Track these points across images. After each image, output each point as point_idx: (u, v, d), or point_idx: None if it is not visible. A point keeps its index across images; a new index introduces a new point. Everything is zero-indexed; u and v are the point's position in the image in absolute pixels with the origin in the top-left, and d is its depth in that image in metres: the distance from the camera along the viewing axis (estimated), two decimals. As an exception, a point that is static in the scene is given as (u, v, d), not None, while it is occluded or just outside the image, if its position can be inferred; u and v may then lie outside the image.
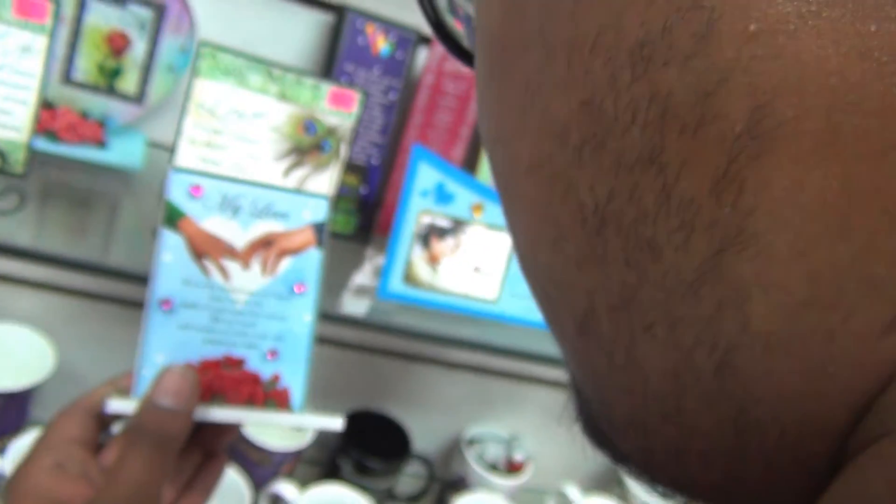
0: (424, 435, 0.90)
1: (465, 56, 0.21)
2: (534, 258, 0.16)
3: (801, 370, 0.12)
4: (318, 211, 0.41)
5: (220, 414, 0.38)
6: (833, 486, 0.12)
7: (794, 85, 0.11)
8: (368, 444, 0.79)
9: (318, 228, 0.41)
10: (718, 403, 0.13)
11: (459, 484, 0.86)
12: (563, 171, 0.14)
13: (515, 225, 0.17)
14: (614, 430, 0.16)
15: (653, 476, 0.16)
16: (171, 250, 0.37)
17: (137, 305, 0.75)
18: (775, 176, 0.11)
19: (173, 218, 0.37)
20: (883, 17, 0.10)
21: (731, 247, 0.12)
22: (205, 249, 0.38)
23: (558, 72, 0.13)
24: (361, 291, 0.62)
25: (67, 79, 0.63)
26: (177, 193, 0.37)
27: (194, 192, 0.37)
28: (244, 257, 0.39)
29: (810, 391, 0.12)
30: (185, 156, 0.54)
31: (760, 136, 0.11)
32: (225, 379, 0.38)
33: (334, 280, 0.60)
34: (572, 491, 0.86)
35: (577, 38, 0.13)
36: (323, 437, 0.82)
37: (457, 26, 0.21)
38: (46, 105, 0.61)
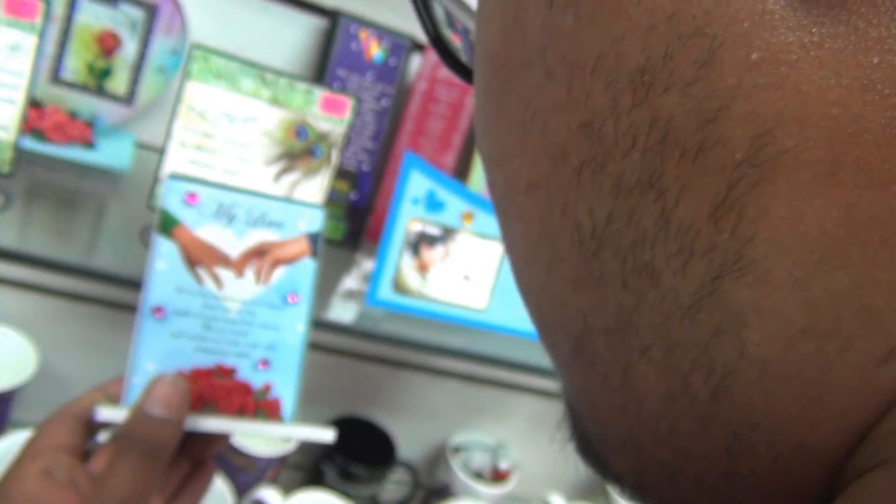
0: (410, 442, 0.89)
1: (463, 71, 0.21)
2: (530, 278, 0.16)
3: (796, 397, 0.12)
4: (314, 221, 0.40)
5: (211, 424, 0.37)
6: None
7: (796, 114, 0.11)
8: (353, 451, 0.79)
9: (313, 239, 0.40)
10: (713, 428, 0.13)
11: (444, 492, 0.86)
12: (561, 192, 0.14)
13: (512, 244, 0.17)
14: (608, 451, 0.16)
15: (644, 497, 0.16)
16: (165, 258, 0.36)
17: (122, 308, 0.74)
18: (775, 204, 0.11)
19: (168, 225, 0.37)
20: (885, 50, 0.10)
21: (729, 273, 0.12)
22: (199, 257, 0.38)
23: (558, 93, 0.13)
24: (350, 298, 0.62)
25: (56, 78, 0.62)
26: (172, 201, 0.37)
27: (190, 199, 0.37)
28: (238, 266, 0.38)
29: (806, 419, 0.12)
30: (175, 159, 0.53)
31: (761, 164, 0.11)
32: (216, 388, 0.38)
33: (323, 286, 0.60)
34: (557, 500, 0.86)
35: (579, 60, 0.13)
36: (308, 443, 0.81)
37: (455, 40, 0.21)
38: (34, 104, 0.60)
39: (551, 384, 0.89)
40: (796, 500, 0.13)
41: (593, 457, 0.17)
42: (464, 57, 0.21)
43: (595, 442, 0.16)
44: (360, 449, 0.80)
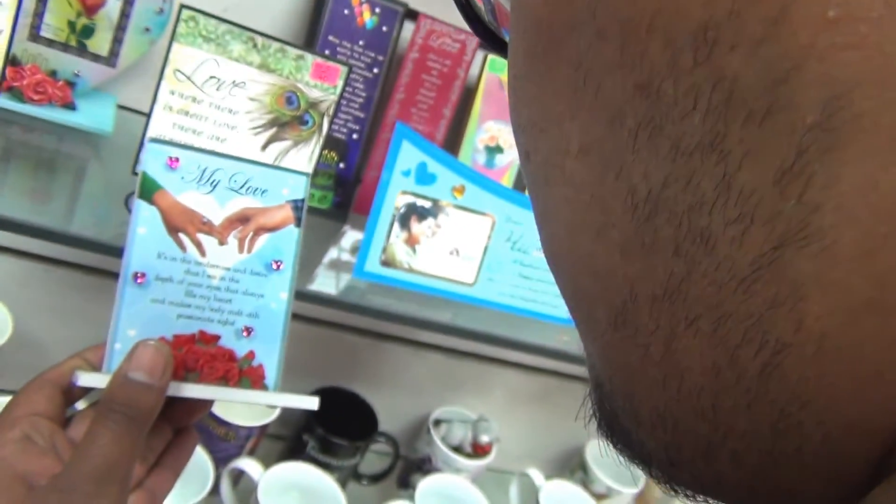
0: (392, 414, 0.90)
1: (490, 37, 0.20)
2: (572, 246, 0.15)
3: (854, 375, 0.12)
4: (298, 188, 0.40)
5: (194, 390, 0.37)
6: (873, 493, 0.11)
7: (875, 76, 0.10)
8: (335, 422, 0.79)
9: (297, 206, 0.40)
10: (759, 404, 0.13)
11: (425, 464, 0.87)
12: (616, 155, 0.13)
13: (552, 212, 0.16)
14: (639, 426, 0.15)
15: (674, 475, 0.15)
16: (146, 223, 0.36)
17: (98, 272, 0.73)
18: (847, 171, 0.11)
19: (149, 190, 0.36)
20: None
21: (791, 242, 0.11)
22: (180, 223, 0.37)
23: (612, 53, 0.13)
24: (336, 269, 0.62)
25: (36, 35, 0.60)
26: (153, 165, 0.36)
27: (171, 164, 0.36)
28: (221, 233, 0.38)
29: (861, 397, 0.12)
30: (160, 123, 0.52)
31: (833, 128, 0.11)
32: (199, 355, 0.37)
33: (309, 257, 0.59)
34: (536, 474, 0.87)
35: (633, 17, 0.12)
36: (289, 414, 0.81)
37: (478, 2, 0.20)
38: (12, 62, 0.59)
39: (534, 360, 0.90)
40: (840, 481, 0.13)
41: (620, 435, 0.16)
42: (486, 18, 0.20)
43: (625, 419, 0.16)
44: (341, 420, 0.80)
